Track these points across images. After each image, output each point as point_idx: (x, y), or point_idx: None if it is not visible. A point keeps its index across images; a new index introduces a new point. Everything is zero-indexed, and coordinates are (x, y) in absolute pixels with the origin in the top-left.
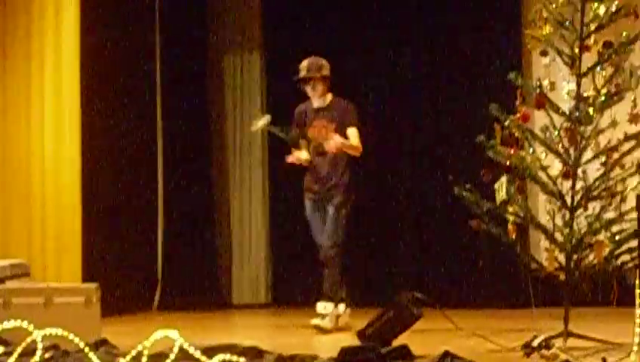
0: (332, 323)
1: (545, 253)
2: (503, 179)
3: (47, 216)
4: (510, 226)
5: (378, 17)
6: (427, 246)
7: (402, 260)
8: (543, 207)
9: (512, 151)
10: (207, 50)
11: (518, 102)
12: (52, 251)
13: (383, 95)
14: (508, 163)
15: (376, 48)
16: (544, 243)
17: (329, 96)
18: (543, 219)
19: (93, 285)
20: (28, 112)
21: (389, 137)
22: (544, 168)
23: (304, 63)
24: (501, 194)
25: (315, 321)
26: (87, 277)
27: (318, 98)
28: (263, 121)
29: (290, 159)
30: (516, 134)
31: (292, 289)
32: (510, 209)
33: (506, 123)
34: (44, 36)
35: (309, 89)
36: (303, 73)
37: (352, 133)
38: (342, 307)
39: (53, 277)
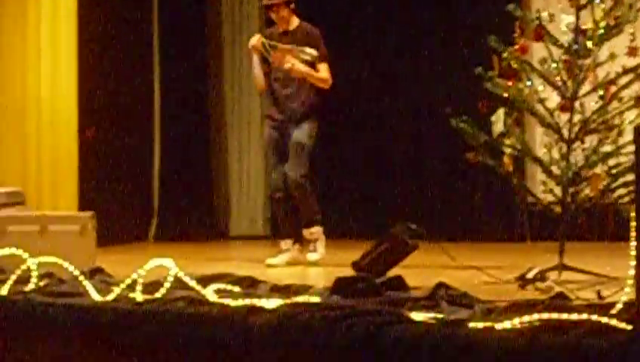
0: (324, 251)
1: (541, 186)
2: (500, 111)
3: (43, 146)
4: (506, 159)
5: None
6: (423, 179)
7: (398, 192)
8: (540, 140)
9: (510, 84)
10: None
11: (516, 34)
12: (48, 181)
13: (381, 25)
14: (506, 95)
15: None
16: (540, 176)
17: (295, 21)
18: (540, 151)
19: (88, 213)
20: (24, 50)
21: (384, 68)
22: (542, 100)
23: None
24: (498, 127)
25: (310, 256)
26: (83, 206)
27: (283, 23)
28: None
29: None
30: (514, 66)
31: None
32: (507, 141)
33: (505, 55)
34: None
35: (273, 15)
36: (265, 0)
37: (323, 67)
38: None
39: (50, 206)
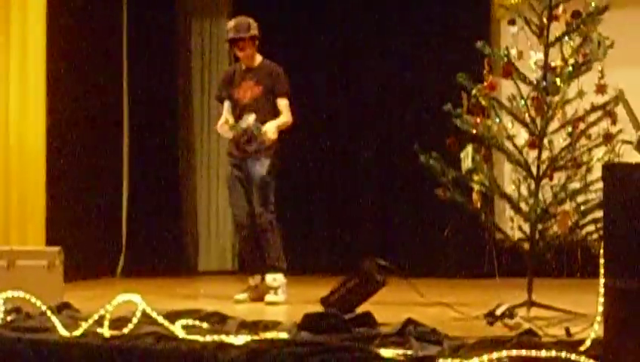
0: (285, 295)
1: (510, 223)
2: (469, 147)
3: (10, 180)
4: (475, 195)
5: None
6: (392, 215)
7: (367, 228)
8: (508, 177)
9: (478, 120)
10: (176, 13)
11: (485, 71)
12: (16, 215)
13: (348, 60)
14: (474, 132)
15: (344, 16)
16: (509, 212)
17: (258, 58)
18: (509, 188)
19: (56, 248)
20: None
21: (354, 102)
22: (510, 137)
23: (231, 23)
24: (467, 163)
25: (269, 298)
26: (50, 241)
27: (247, 59)
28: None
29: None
30: (483, 103)
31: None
32: (476, 178)
33: (473, 92)
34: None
35: (237, 51)
36: (231, 34)
37: (283, 105)
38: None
39: (17, 242)
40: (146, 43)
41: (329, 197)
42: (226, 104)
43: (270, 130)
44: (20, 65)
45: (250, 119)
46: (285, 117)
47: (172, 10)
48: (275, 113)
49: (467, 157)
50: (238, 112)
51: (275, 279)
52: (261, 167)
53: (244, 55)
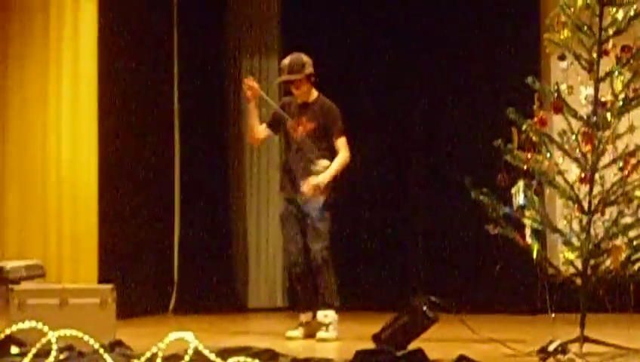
0: (337, 332)
1: (562, 258)
2: (520, 183)
3: (63, 217)
4: (527, 231)
5: (396, 21)
6: (443, 251)
7: (418, 264)
8: (560, 212)
9: (529, 156)
10: (226, 52)
11: (535, 106)
12: (68, 252)
13: (400, 97)
14: (525, 167)
15: (395, 52)
16: (561, 248)
17: (314, 93)
18: (560, 223)
19: (108, 286)
20: (45, 114)
21: (404, 137)
22: (561, 173)
23: (285, 62)
24: (518, 199)
25: (321, 334)
26: (103, 278)
27: (303, 96)
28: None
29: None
30: (534, 138)
31: None
32: (527, 213)
33: (524, 127)
34: (61, 40)
35: (292, 88)
36: (284, 74)
37: (340, 142)
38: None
39: (69, 279)
40: (196, 79)
41: (380, 233)
42: (264, 128)
43: (322, 182)
44: (72, 98)
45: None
46: (342, 157)
47: (222, 47)
48: (327, 149)
49: (518, 192)
50: (289, 148)
51: (326, 315)
52: (317, 203)
53: (300, 92)
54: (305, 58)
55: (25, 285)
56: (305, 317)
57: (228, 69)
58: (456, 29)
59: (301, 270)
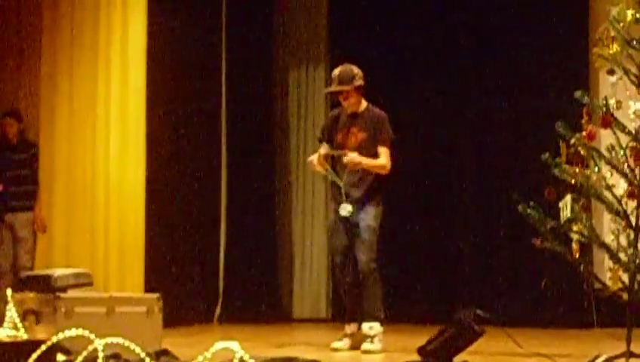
0: (382, 344)
1: (608, 273)
2: (568, 197)
3: (110, 227)
4: (574, 245)
5: (445, 33)
6: (490, 264)
7: (465, 277)
8: (607, 226)
9: (577, 170)
10: (273, 63)
11: (584, 121)
12: (115, 261)
13: (449, 111)
14: (573, 181)
15: (444, 65)
16: (608, 262)
17: (363, 104)
18: (608, 238)
19: (155, 295)
20: (93, 126)
21: (453, 151)
22: (609, 187)
23: (335, 73)
24: (565, 213)
25: (366, 346)
26: (149, 287)
27: (352, 107)
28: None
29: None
30: (582, 153)
31: None
32: (574, 227)
33: (572, 141)
34: (110, 56)
35: (341, 99)
36: (334, 85)
37: (383, 151)
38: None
39: (116, 288)
40: (243, 89)
41: (427, 245)
42: (325, 146)
43: (355, 157)
44: (120, 110)
45: (348, 208)
46: (382, 161)
47: (269, 57)
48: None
49: (566, 206)
50: (338, 158)
51: (371, 327)
52: (366, 215)
53: (349, 103)
54: (355, 70)
55: (72, 293)
56: (350, 328)
57: (275, 79)
58: (505, 43)
59: (351, 280)
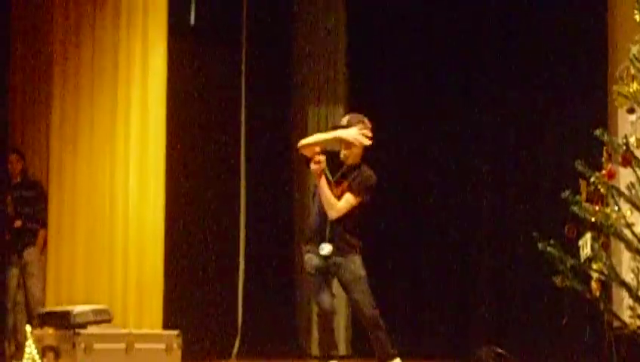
0: None
1: (628, 311)
2: (588, 235)
3: (129, 263)
4: (594, 283)
5: (463, 72)
6: (509, 301)
7: (483, 314)
8: (627, 265)
9: (597, 208)
10: (292, 100)
11: (604, 159)
12: (134, 298)
13: (468, 148)
14: (593, 219)
15: (461, 104)
16: (628, 301)
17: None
18: (628, 276)
19: (174, 332)
20: (113, 160)
21: (473, 189)
22: (629, 225)
23: (344, 120)
24: (585, 251)
25: None
26: (167, 323)
27: (349, 158)
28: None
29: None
30: (602, 191)
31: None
32: (594, 266)
33: (592, 179)
34: (130, 84)
35: (343, 148)
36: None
37: (347, 197)
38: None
39: (135, 323)
40: (262, 125)
41: (445, 282)
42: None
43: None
44: (140, 144)
45: (329, 248)
46: (340, 202)
47: (288, 97)
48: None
49: (586, 245)
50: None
51: None
52: (353, 264)
53: (349, 153)
54: (363, 120)
55: (91, 329)
56: None
57: (294, 115)
58: (524, 80)
59: (333, 317)
